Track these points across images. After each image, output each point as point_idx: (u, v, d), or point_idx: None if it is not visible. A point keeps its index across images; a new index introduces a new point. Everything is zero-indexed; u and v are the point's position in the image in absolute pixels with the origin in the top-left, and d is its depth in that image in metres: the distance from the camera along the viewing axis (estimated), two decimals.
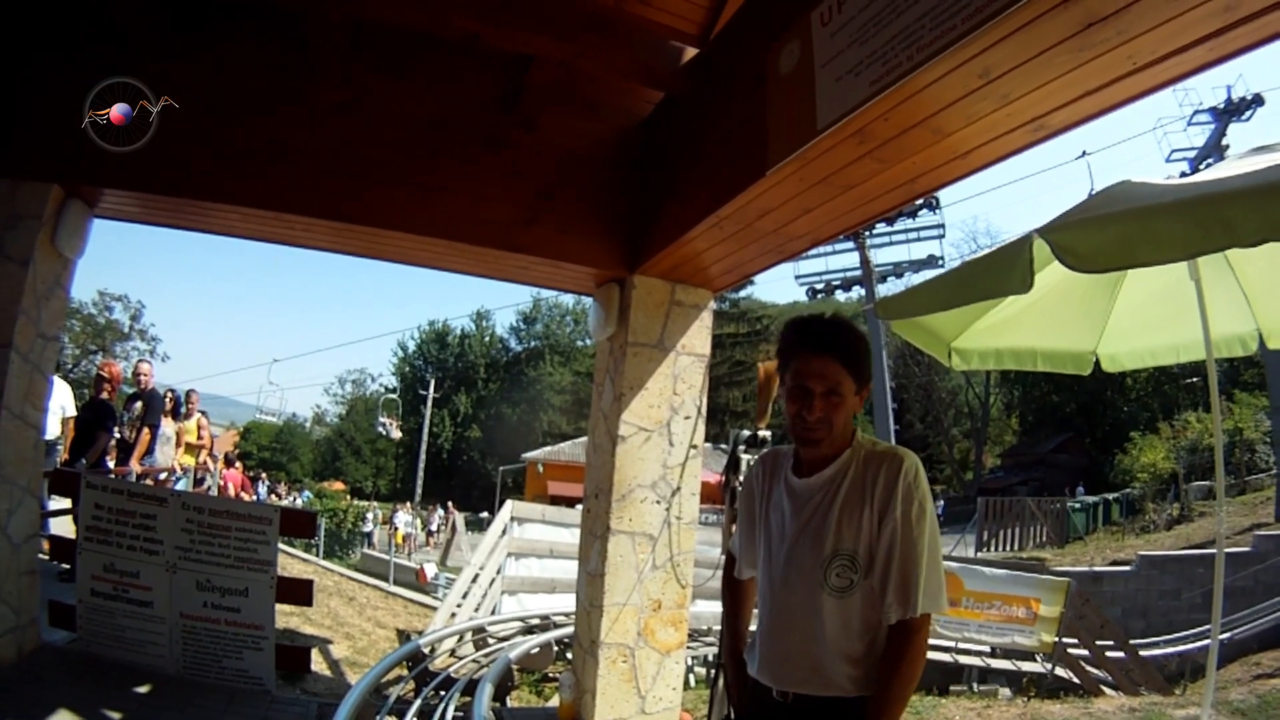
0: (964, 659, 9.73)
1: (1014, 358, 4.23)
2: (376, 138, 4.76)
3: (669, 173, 4.71)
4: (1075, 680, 9.14)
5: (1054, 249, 2.61)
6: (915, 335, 4.08)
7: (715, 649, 9.25)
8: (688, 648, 5.40)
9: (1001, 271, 2.89)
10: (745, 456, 3.94)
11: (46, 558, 6.28)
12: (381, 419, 32.01)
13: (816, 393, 2.07)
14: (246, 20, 4.70)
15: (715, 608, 8.16)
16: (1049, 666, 9.43)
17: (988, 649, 9.79)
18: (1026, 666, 9.67)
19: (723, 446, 6.90)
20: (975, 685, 9.32)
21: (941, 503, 39.03)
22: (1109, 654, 9.50)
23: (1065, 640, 9.25)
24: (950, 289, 3.34)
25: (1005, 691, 8.76)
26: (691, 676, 7.36)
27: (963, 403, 51.63)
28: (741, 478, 3.90)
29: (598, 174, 5.06)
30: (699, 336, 5.21)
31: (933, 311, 3.53)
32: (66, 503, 6.90)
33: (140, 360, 10.11)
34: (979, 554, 20.31)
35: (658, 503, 5.06)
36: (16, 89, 4.61)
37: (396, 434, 35.45)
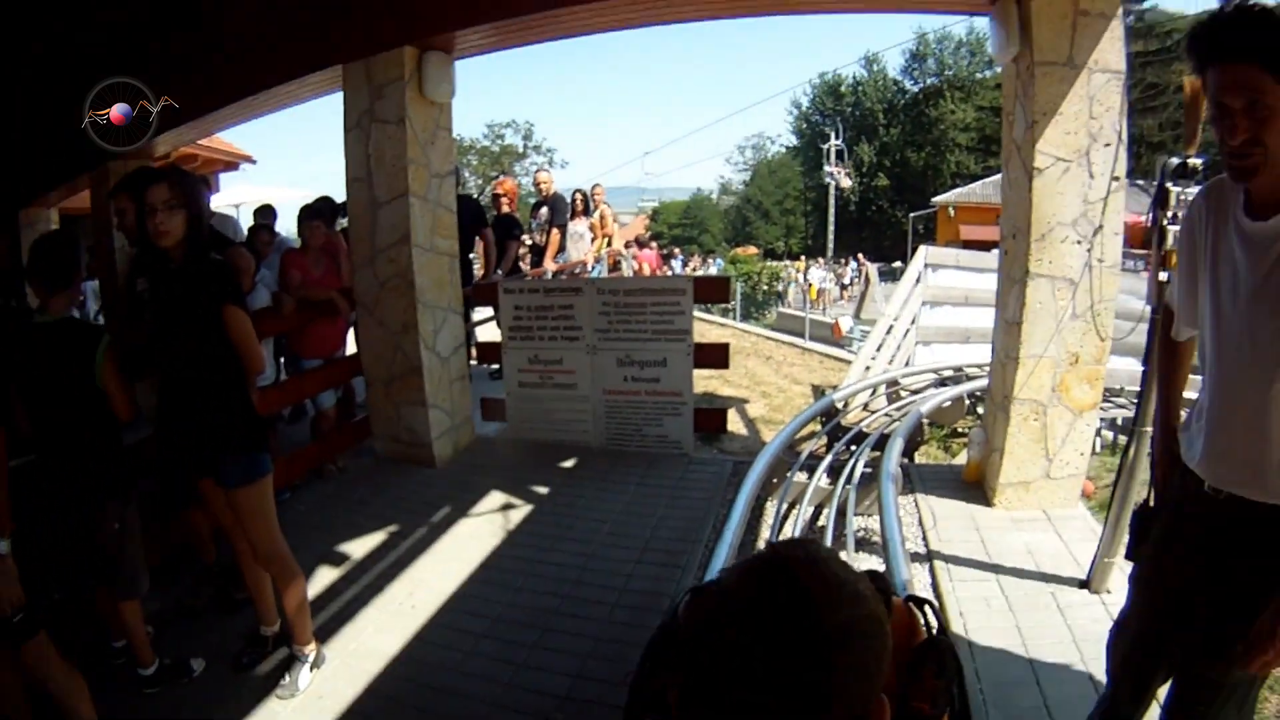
0: None
1: None
2: None
3: None
4: None
5: None
6: None
7: (1130, 413, 8.46)
8: (1099, 408, 4.93)
9: None
10: (1175, 189, 3.34)
11: (476, 363, 7.19)
12: (828, 168, 30.67)
13: (1236, 110, 1.59)
14: None
15: (1131, 365, 7.42)
16: None
17: None
18: None
19: (1139, 183, 5.91)
20: None
21: None
22: None
23: None
24: None
25: None
26: (1098, 440, 6.80)
27: None
28: (1174, 215, 3.34)
29: None
30: (1112, 50, 4.39)
31: None
32: (490, 311, 7.77)
33: (539, 170, 10.87)
34: None
35: (1078, 243, 4.53)
36: None
37: (846, 182, 33.83)
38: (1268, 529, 1.74)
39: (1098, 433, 7.81)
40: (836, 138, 49.10)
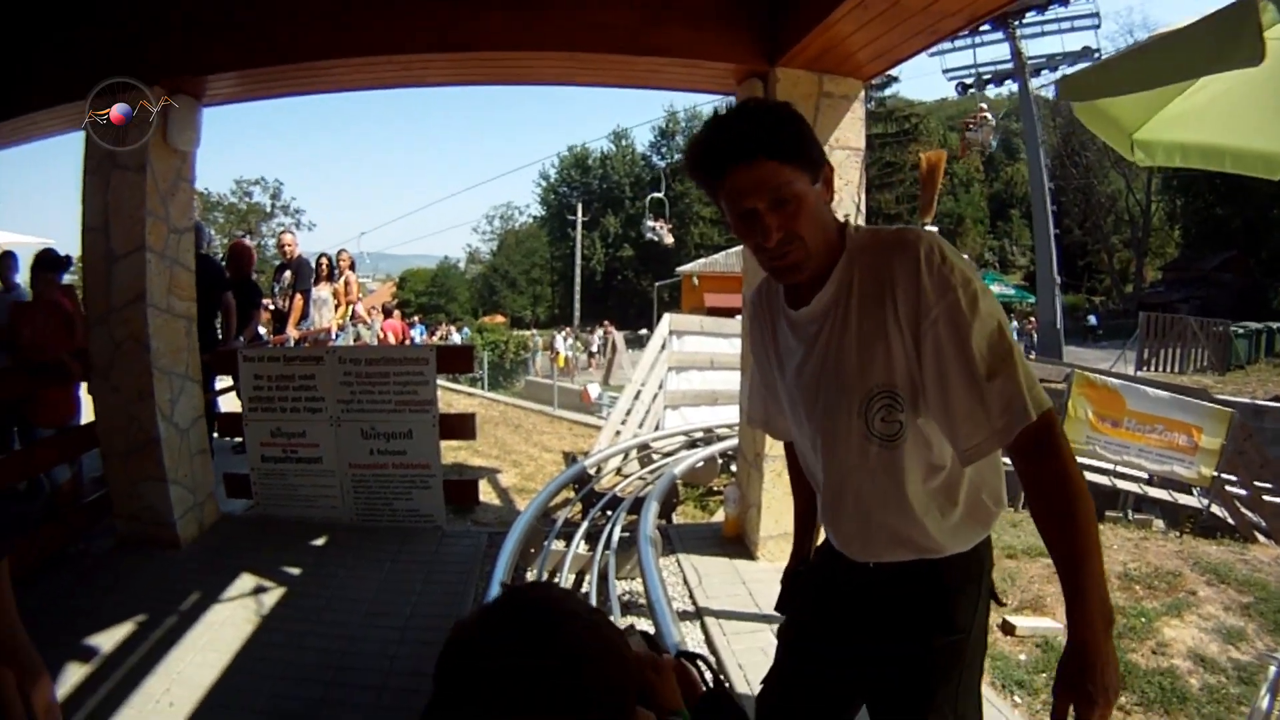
0: (1122, 484, 9.21)
1: (1201, 155, 3.49)
2: None
3: None
4: (1230, 521, 8.45)
5: None
6: (1096, 123, 3.47)
7: None
8: None
9: (1222, 40, 2.36)
10: None
11: (218, 435, 6.74)
12: (649, 222, 29.90)
13: (762, 210, 1.50)
14: None
15: None
16: (1205, 503, 8.84)
17: (1146, 476, 9.12)
18: (1183, 499, 9.11)
19: None
20: (1130, 513, 8.82)
21: (1093, 317, 36.96)
22: (1265, 497, 8.63)
23: (1224, 476, 8.54)
24: (1152, 63, 2.72)
25: (1159, 523, 8.21)
26: None
27: (1122, 209, 46.50)
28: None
29: None
30: (852, 129, 4.75)
31: (1128, 91, 2.94)
32: (229, 381, 7.28)
33: (282, 232, 10.36)
34: (1139, 373, 18.56)
35: None
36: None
37: (669, 239, 32.57)
38: (931, 579, 1.70)
39: None
40: (583, 213, 50.50)
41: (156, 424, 4.96)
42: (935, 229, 3.63)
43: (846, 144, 4.76)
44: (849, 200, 4.77)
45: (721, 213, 1.60)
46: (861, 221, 4.83)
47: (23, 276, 6.56)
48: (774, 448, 4.83)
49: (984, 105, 26.48)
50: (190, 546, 5.22)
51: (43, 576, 4.76)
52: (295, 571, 4.93)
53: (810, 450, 1.78)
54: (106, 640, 4.04)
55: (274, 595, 4.61)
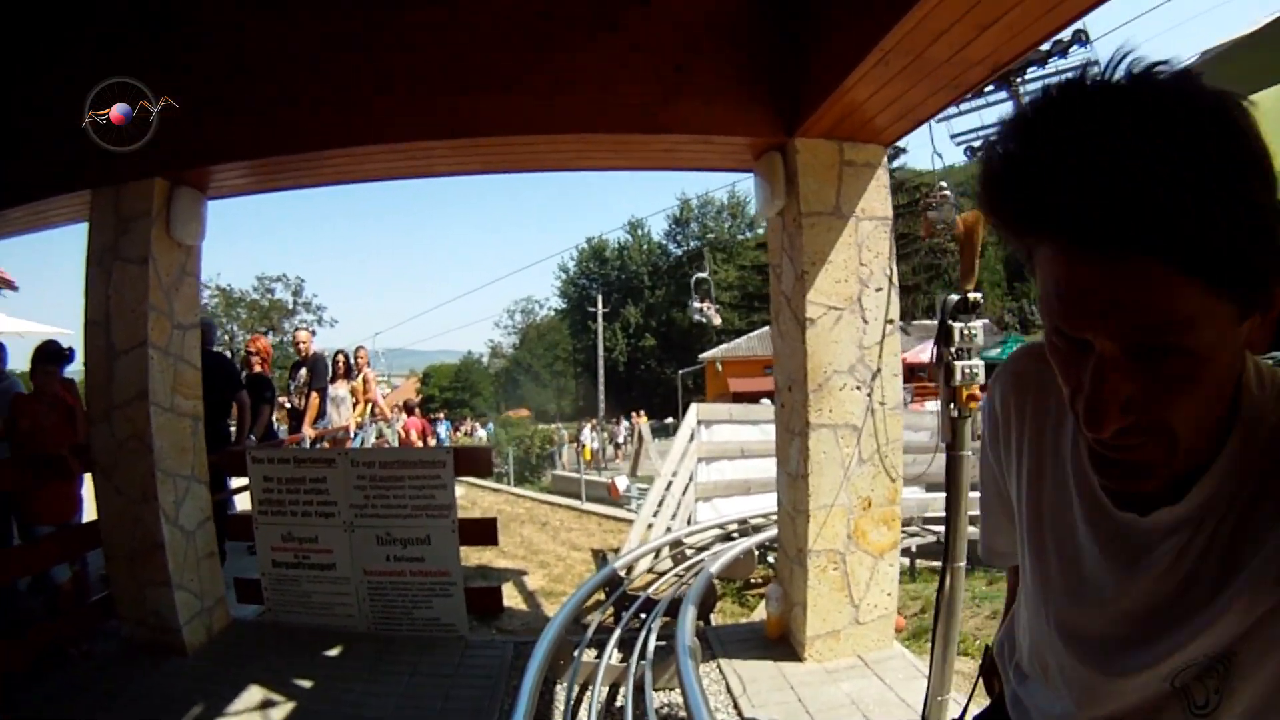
0: None
1: None
2: (481, 43, 4.40)
3: (816, 13, 4.02)
4: None
5: None
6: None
7: (923, 539, 8.71)
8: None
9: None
10: (958, 326, 3.34)
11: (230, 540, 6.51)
12: (695, 303, 28.40)
13: (1108, 358, 0.78)
14: None
15: (918, 494, 7.58)
16: None
17: None
18: None
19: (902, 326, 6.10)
20: None
21: None
22: None
23: None
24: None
25: None
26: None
27: None
28: (957, 351, 3.32)
29: (734, 34, 4.42)
30: (878, 197, 4.55)
31: None
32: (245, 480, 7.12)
33: (298, 329, 10.36)
34: None
35: (858, 389, 4.52)
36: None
37: (717, 319, 30.93)
38: None
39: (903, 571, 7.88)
40: (604, 304, 50.89)
41: (161, 527, 4.79)
42: (979, 295, 3.34)
43: (873, 213, 4.55)
44: (880, 272, 4.55)
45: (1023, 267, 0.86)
46: (895, 295, 4.58)
47: (14, 367, 6.47)
48: (818, 543, 4.52)
49: (943, 184, 26.49)
50: (197, 653, 4.99)
51: (38, 680, 4.60)
52: (306, 685, 4.66)
53: (1064, 656, 1.06)
54: None
55: (283, 710, 4.35)
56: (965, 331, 3.32)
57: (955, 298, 3.36)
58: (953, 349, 3.36)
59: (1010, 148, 0.76)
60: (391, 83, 4.43)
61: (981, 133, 27.01)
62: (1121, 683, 0.99)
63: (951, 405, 3.33)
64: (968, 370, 3.36)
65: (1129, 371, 0.77)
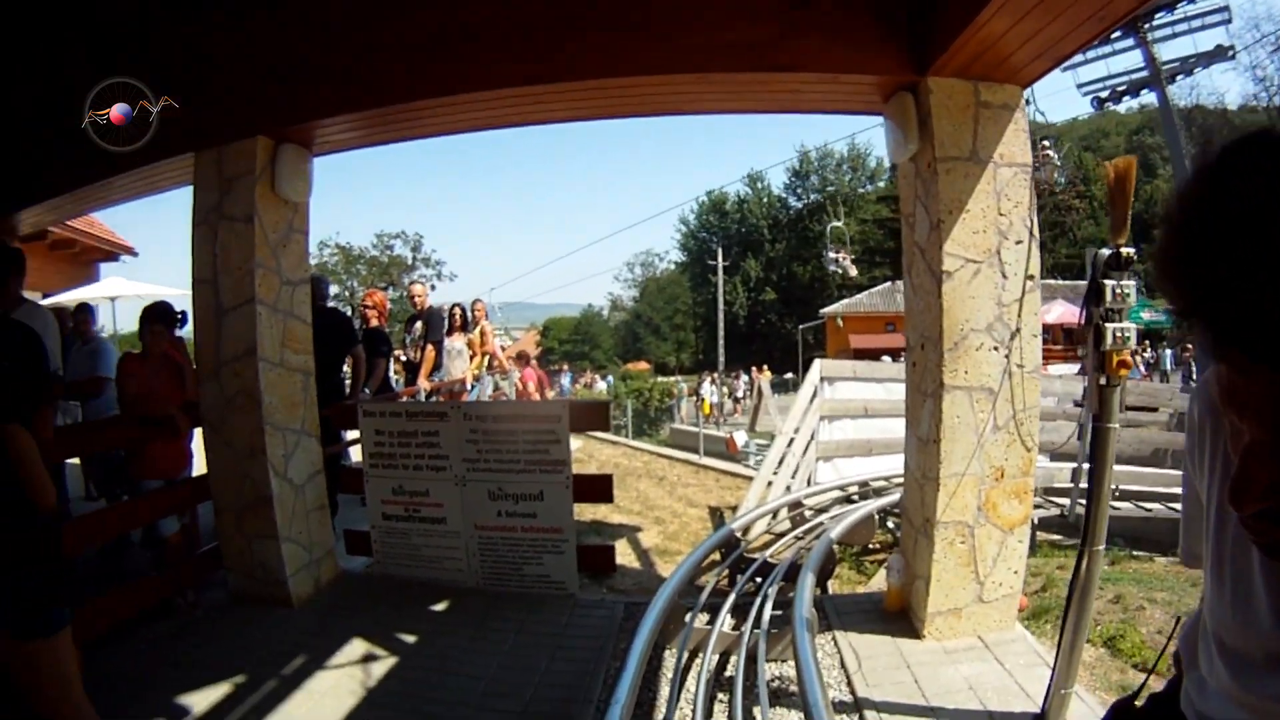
0: None
1: None
2: None
3: None
4: None
5: None
6: None
7: (1048, 512, 8.20)
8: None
9: None
10: (1109, 283, 3.00)
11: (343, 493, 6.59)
12: (830, 253, 27.19)
13: (1262, 442, 0.80)
14: None
15: (1043, 464, 7.10)
16: None
17: None
18: None
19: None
20: None
21: None
22: None
23: None
24: None
25: None
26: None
27: None
28: (1107, 311, 2.99)
29: None
30: (1017, 142, 4.14)
31: None
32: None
33: (413, 283, 10.45)
34: None
35: (995, 349, 4.16)
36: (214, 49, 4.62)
37: (853, 270, 30.03)
38: None
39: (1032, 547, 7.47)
40: (724, 258, 50.44)
41: (270, 480, 4.87)
42: (1133, 250, 2.99)
43: (1013, 159, 4.15)
44: (1019, 223, 4.16)
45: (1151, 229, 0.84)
46: (1036, 248, 4.18)
47: (116, 329, 6.65)
48: (946, 514, 4.21)
49: (1046, 143, 24.86)
50: (303, 605, 5.10)
51: (149, 626, 4.72)
52: (410, 639, 4.68)
53: (1208, 673, 1.13)
54: (200, 701, 3.88)
55: (384, 665, 4.35)
56: (1118, 290, 2.99)
57: (1107, 252, 3.02)
58: (1102, 309, 3.03)
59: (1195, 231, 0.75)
60: (496, 22, 4.30)
61: (1108, 82, 25.33)
62: (1256, 703, 1.01)
63: (1100, 380, 3.00)
64: (1120, 334, 3.03)
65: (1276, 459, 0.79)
